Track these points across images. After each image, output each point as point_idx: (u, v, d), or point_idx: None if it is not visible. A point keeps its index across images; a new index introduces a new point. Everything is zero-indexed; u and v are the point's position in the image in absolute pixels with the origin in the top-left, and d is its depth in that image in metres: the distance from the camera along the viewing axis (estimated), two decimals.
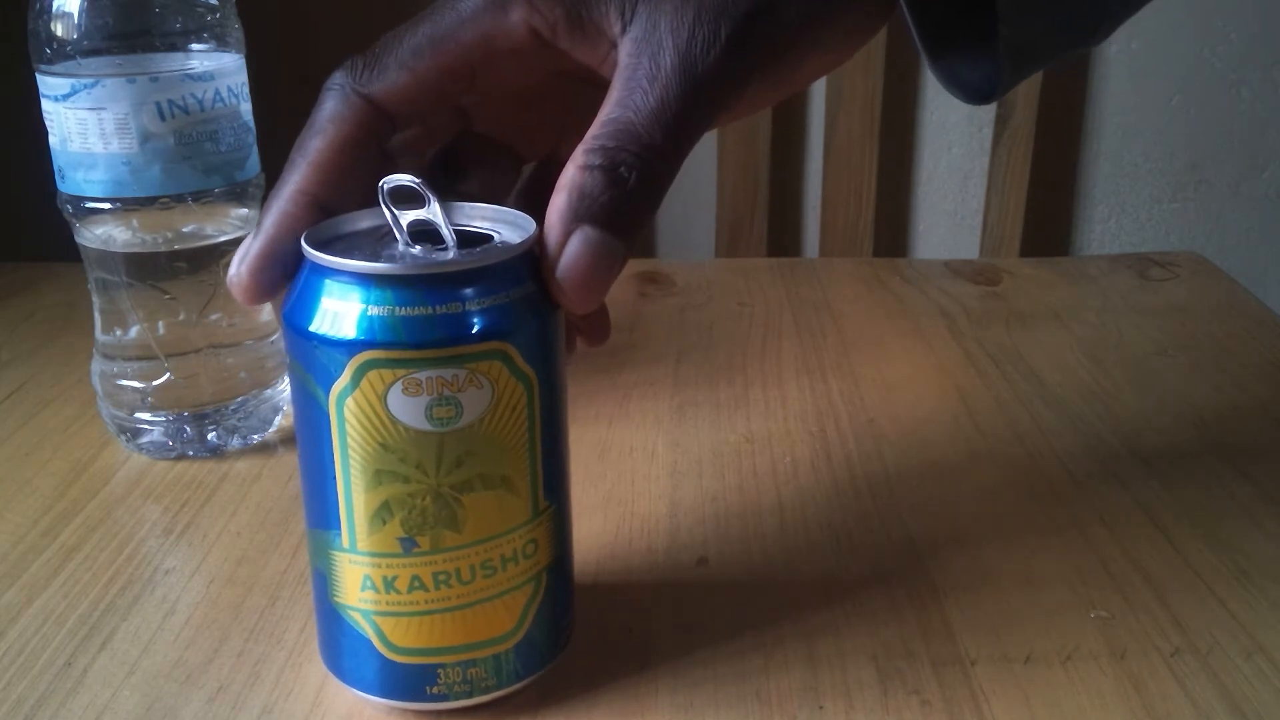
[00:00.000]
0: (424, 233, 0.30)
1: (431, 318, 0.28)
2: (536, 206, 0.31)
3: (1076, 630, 0.36)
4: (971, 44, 0.34)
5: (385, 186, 0.30)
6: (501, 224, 0.32)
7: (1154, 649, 0.35)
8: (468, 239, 0.31)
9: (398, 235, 0.30)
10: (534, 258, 0.31)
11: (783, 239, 0.93)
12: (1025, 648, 0.36)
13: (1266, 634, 0.36)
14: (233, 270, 0.31)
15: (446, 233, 0.30)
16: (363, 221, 0.32)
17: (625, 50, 0.31)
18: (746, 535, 0.42)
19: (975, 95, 0.35)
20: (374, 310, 0.28)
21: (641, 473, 0.47)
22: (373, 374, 0.28)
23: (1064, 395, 0.53)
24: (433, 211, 0.30)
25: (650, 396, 0.54)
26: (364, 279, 0.28)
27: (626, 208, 0.29)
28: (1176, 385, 0.54)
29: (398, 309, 0.28)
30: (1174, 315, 0.63)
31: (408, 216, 0.30)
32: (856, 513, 0.43)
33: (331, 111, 0.32)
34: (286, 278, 0.31)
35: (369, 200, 0.31)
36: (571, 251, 0.29)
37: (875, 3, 0.33)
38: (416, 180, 0.30)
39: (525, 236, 0.30)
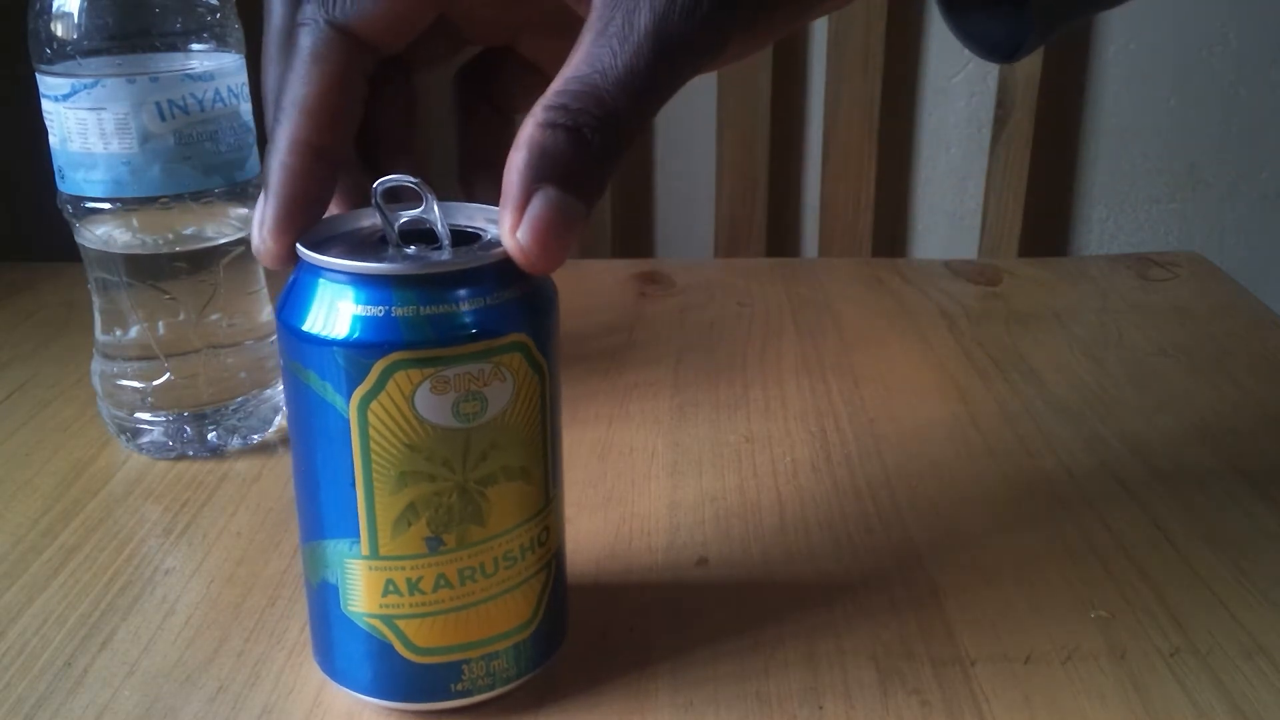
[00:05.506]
0: (412, 233, 0.30)
1: (456, 315, 0.28)
2: (472, 90, 0.29)
3: (1076, 630, 0.36)
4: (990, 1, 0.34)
5: (379, 188, 0.30)
6: (488, 221, 0.32)
7: (1154, 649, 0.35)
8: (457, 237, 0.31)
9: (388, 235, 0.30)
10: None
11: (782, 239, 0.93)
12: (1025, 648, 0.36)
13: (1266, 634, 0.36)
14: (255, 239, 0.30)
15: (441, 230, 0.30)
16: (354, 223, 0.32)
17: None
18: (746, 535, 0.42)
19: (995, 53, 0.35)
20: (399, 311, 0.28)
21: (641, 473, 0.47)
22: (399, 375, 0.28)
23: (1064, 395, 0.53)
24: (429, 210, 0.30)
25: (650, 396, 0.54)
26: (384, 281, 0.28)
27: (588, 170, 0.28)
28: (1176, 385, 0.54)
29: (423, 308, 0.28)
30: (1174, 315, 0.63)
31: (398, 217, 0.30)
32: (856, 513, 0.43)
33: (311, 51, 0.30)
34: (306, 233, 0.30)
35: (362, 135, 0.31)
36: (534, 212, 0.28)
37: None
38: (415, 180, 0.30)
39: None
